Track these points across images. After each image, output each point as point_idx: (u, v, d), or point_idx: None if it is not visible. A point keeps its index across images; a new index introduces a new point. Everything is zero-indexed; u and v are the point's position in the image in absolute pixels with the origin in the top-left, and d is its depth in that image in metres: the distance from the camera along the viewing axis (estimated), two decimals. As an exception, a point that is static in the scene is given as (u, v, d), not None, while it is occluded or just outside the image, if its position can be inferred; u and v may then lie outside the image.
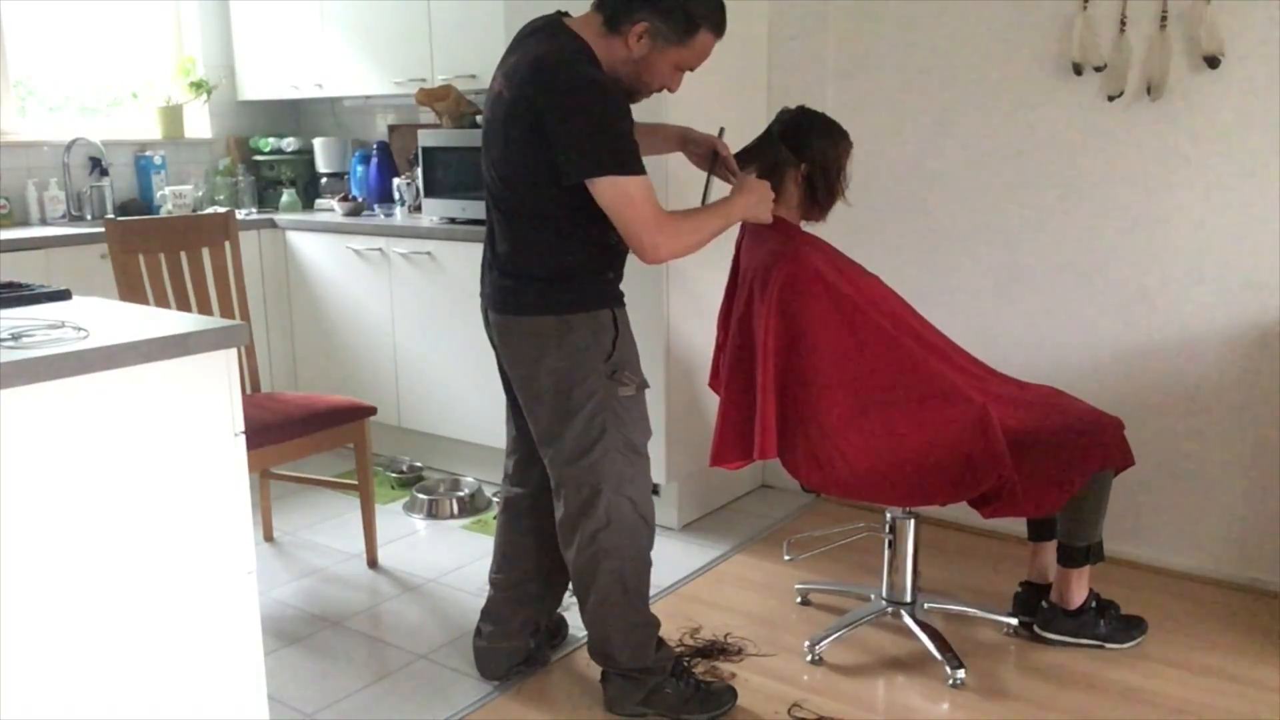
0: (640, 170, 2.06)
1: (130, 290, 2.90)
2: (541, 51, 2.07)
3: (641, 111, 3.12)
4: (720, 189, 2.41)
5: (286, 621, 2.84)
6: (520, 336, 2.22)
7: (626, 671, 2.33)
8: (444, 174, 3.83)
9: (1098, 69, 2.93)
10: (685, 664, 2.43)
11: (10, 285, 1.99)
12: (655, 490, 3.36)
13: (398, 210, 4.26)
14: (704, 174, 2.43)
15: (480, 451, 3.86)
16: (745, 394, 2.41)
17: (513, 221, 2.19)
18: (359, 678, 2.54)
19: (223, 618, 1.80)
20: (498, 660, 2.50)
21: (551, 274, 2.18)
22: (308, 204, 4.74)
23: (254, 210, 4.58)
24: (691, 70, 2.21)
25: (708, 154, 2.44)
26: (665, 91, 2.26)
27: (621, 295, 2.28)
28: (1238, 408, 2.89)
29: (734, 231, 2.58)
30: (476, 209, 3.73)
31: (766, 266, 2.37)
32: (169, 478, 1.70)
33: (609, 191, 2.03)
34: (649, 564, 2.34)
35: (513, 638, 2.50)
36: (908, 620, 2.62)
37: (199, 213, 3.98)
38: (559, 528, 2.31)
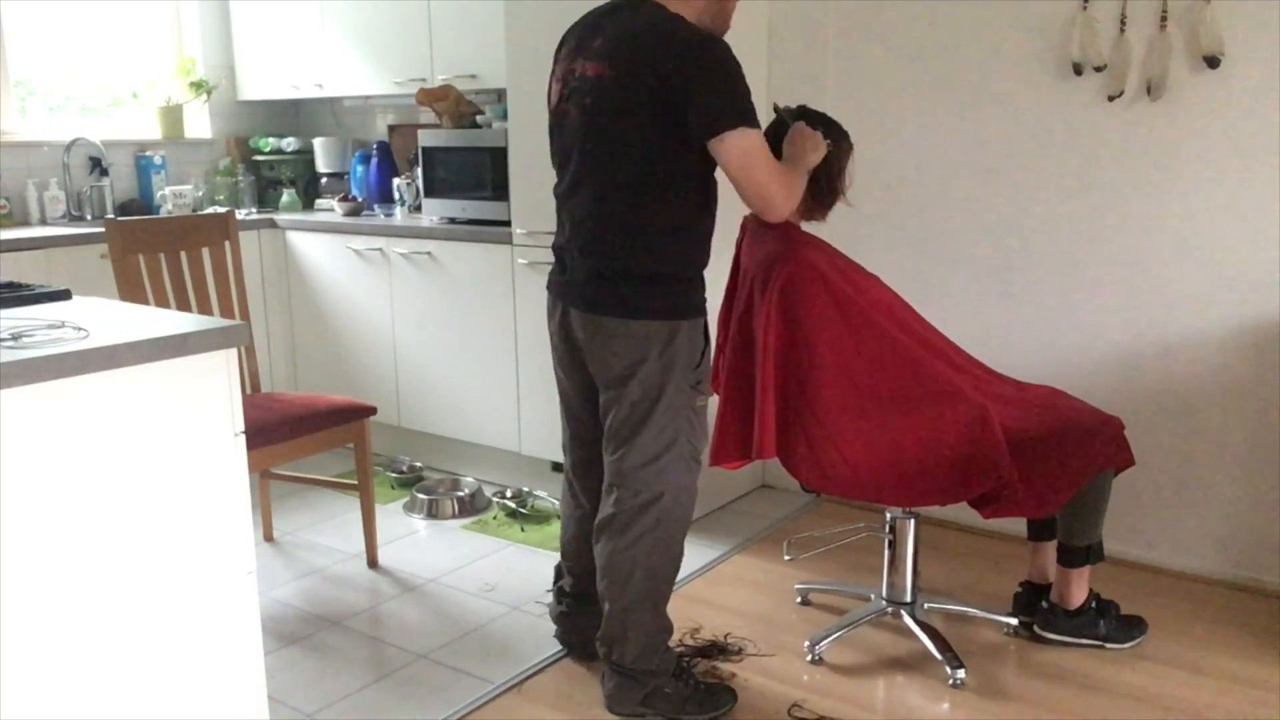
0: (758, 126, 2.07)
1: (130, 290, 2.90)
2: (646, 25, 2.07)
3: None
4: None
5: (286, 621, 2.84)
6: (622, 339, 2.17)
7: (629, 671, 2.33)
8: (444, 174, 3.83)
9: (1098, 69, 2.93)
10: (686, 664, 2.43)
11: (10, 285, 1.99)
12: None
13: (398, 210, 4.26)
14: None
15: (480, 451, 3.86)
16: (745, 394, 2.40)
17: (625, 214, 2.14)
18: (359, 678, 2.54)
19: (223, 618, 1.80)
20: (572, 630, 2.58)
21: (661, 270, 2.17)
22: (308, 204, 4.74)
23: (254, 210, 4.58)
24: None
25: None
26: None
27: (705, 303, 2.30)
28: (1238, 407, 2.89)
29: (734, 231, 2.59)
30: (476, 209, 3.73)
31: (767, 266, 2.37)
32: (169, 478, 1.70)
33: (740, 144, 2.02)
34: (677, 568, 2.36)
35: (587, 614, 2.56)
36: (908, 620, 2.62)
37: (199, 213, 3.99)
38: (604, 522, 2.29)
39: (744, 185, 2.07)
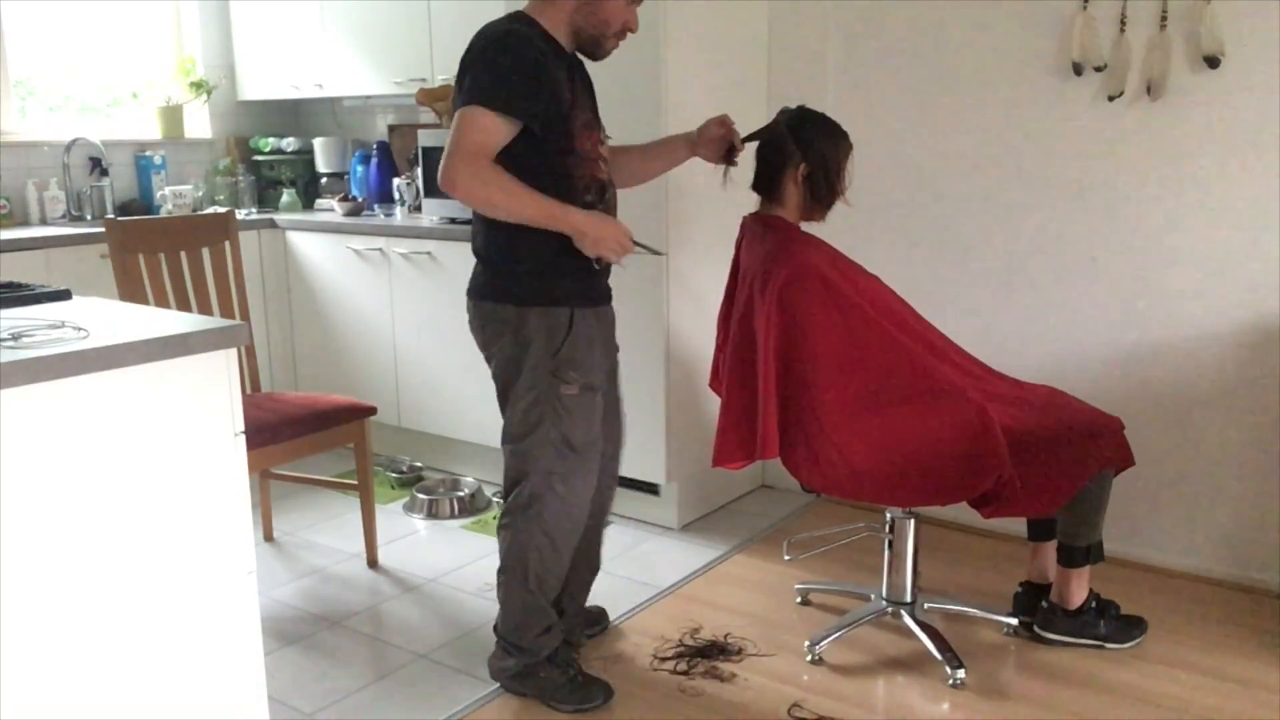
0: (504, 110, 2.06)
1: (130, 290, 2.90)
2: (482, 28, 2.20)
3: (646, 109, 3.12)
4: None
5: (286, 621, 2.84)
6: (482, 321, 2.32)
7: (502, 639, 2.41)
8: (444, 174, 3.82)
9: (1098, 69, 2.93)
10: (569, 656, 2.45)
11: (10, 285, 1.99)
12: (654, 490, 3.36)
13: (398, 210, 4.25)
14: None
15: (480, 451, 3.86)
16: (746, 394, 2.41)
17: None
18: (359, 678, 2.54)
19: (223, 618, 1.80)
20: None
21: (511, 255, 2.24)
22: (308, 204, 4.74)
23: (254, 210, 4.58)
24: (641, 0, 2.25)
25: (719, 143, 2.46)
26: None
27: (594, 295, 2.32)
28: (1237, 408, 2.89)
29: (734, 231, 2.59)
30: (476, 209, 3.73)
31: (766, 266, 2.37)
32: (169, 478, 1.70)
33: (460, 119, 2.07)
34: (559, 559, 2.38)
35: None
36: (908, 620, 2.62)
37: (199, 213, 3.98)
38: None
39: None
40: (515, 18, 2.19)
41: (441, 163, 2.09)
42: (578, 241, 2.19)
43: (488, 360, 2.37)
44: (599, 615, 2.74)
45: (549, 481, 2.29)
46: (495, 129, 2.07)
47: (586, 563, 2.57)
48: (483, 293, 2.31)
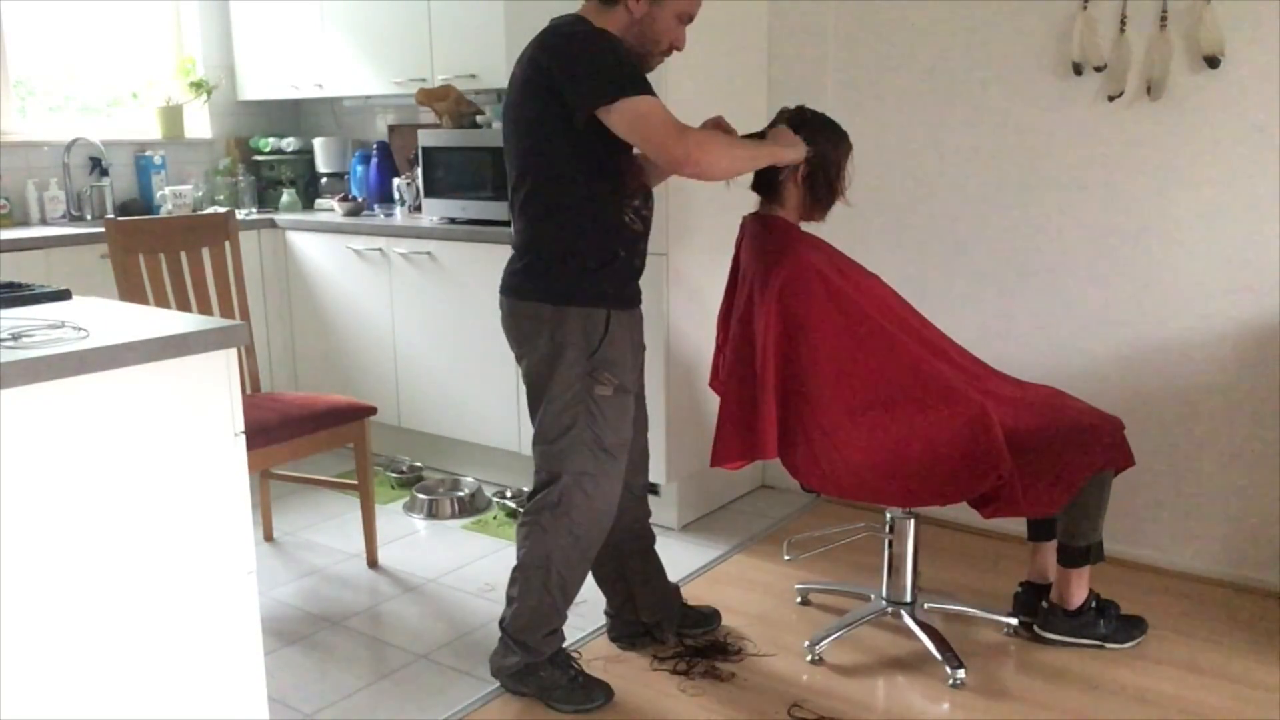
0: (652, 93, 2.11)
1: (130, 290, 2.90)
2: (545, 29, 2.20)
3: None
4: None
5: (286, 621, 2.84)
6: (518, 319, 2.30)
7: (507, 634, 2.40)
8: (444, 174, 3.83)
9: (1098, 69, 2.93)
10: (569, 657, 2.45)
11: (10, 285, 1.99)
12: (654, 490, 3.36)
13: (398, 210, 4.26)
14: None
15: (480, 451, 3.86)
16: (745, 394, 2.41)
17: (527, 200, 2.25)
18: (359, 678, 2.54)
19: (223, 618, 1.80)
20: (614, 629, 2.67)
21: (556, 255, 2.23)
22: (308, 204, 4.74)
23: (254, 210, 4.58)
24: (691, 19, 2.26)
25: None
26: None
27: (628, 297, 2.32)
28: (1237, 408, 2.89)
29: (734, 231, 2.59)
30: (476, 209, 3.73)
31: (766, 266, 2.38)
32: (169, 478, 1.70)
33: (626, 112, 2.07)
34: (584, 561, 2.38)
35: (622, 612, 2.64)
36: (908, 620, 2.62)
37: (199, 213, 3.98)
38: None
39: (645, 147, 2.11)
40: (581, 20, 2.18)
41: (667, 156, 2.08)
42: (784, 156, 2.31)
43: (519, 359, 2.34)
44: (710, 615, 2.75)
45: (580, 482, 2.29)
46: (661, 105, 2.10)
47: (644, 564, 2.61)
48: (520, 290, 2.29)
